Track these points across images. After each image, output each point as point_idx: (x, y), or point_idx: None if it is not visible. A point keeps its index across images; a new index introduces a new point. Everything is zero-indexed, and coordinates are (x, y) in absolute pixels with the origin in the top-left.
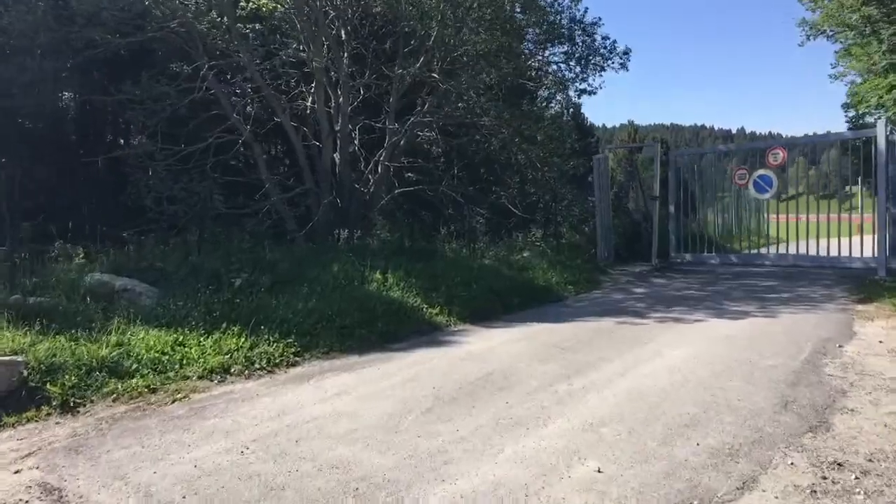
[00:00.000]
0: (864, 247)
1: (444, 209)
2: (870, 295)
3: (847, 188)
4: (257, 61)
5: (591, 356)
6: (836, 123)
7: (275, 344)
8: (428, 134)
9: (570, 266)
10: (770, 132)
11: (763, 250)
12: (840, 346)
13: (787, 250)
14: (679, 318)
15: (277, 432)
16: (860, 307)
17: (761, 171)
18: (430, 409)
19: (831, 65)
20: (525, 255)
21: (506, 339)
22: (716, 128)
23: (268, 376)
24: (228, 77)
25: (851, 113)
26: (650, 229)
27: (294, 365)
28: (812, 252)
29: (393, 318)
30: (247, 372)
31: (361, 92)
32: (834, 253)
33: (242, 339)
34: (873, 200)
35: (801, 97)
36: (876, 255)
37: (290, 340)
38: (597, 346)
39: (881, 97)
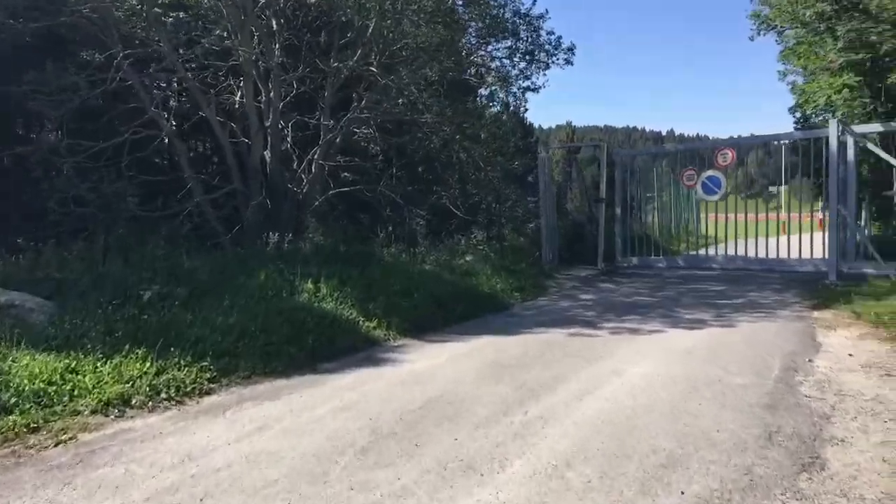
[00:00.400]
0: (806, 249)
1: (383, 211)
2: (824, 301)
3: (771, 188)
4: (180, 51)
5: (544, 375)
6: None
7: (186, 368)
8: (366, 131)
9: (515, 271)
10: (697, 134)
11: (711, 252)
12: (810, 361)
13: (732, 252)
14: (634, 329)
15: (179, 486)
16: (817, 314)
17: (710, 172)
18: (367, 448)
19: (779, 71)
20: (468, 259)
21: (451, 356)
22: (647, 129)
23: (176, 408)
24: (149, 68)
25: (806, 114)
26: (595, 231)
27: (208, 393)
28: (761, 255)
29: (325, 334)
30: (151, 404)
31: (295, 86)
32: (783, 255)
33: (148, 364)
34: (815, 202)
35: (738, 100)
36: (826, 258)
37: (206, 363)
38: (550, 362)
39: (830, 97)
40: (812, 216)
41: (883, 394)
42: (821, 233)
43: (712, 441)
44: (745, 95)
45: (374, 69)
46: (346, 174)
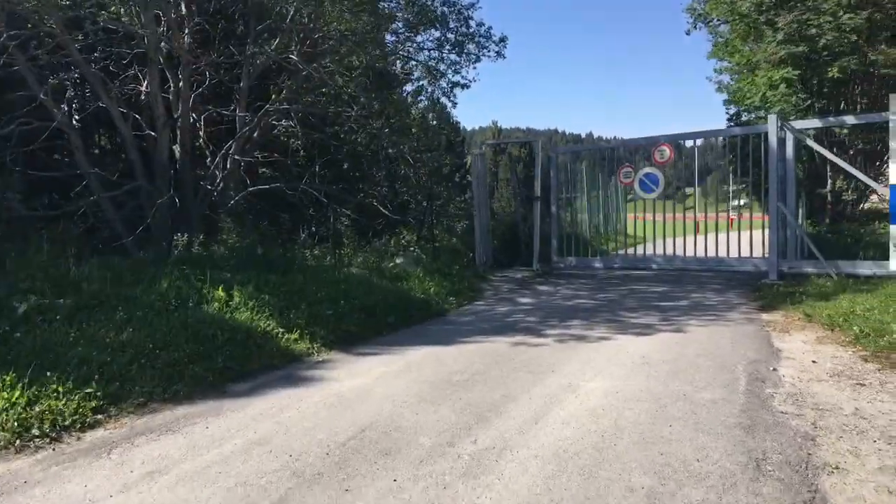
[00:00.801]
0: (734, 249)
1: (306, 210)
2: (770, 301)
3: (688, 189)
4: (79, 36)
5: (492, 394)
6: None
7: (66, 397)
8: (286, 124)
9: (449, 274)
10: (615, 136)
11: (644, 252)
12: (774, 370)
13: (661, 251)
14: (581, 336)
15: None
16: (766, 316)
17: (648, 170)
18: (285, 498)
19: (714, 70)
20: (398, 261)
21: (384, 372)
22: (567, 132)
23: (50, 447)
24: (45, 53)
25: (739, 111)
26: (529, 231)
27: (92, 427)
28: (700, 254)
29: (238, 350)
30: (18, 443)
31: (208, 76)
32: (722, 254)
33: (17, 393)
34: (729, 202)
35: (669, 100)
36: (766, 257)
37: (91, 389)
38: (496, 378)
39: (765, 93)
40: (728, 216)
41: (862, 407)
42: (738, 232)
43: (695, 474)
44: (676, 96)
45: (294, 57)
46: (265, 170)
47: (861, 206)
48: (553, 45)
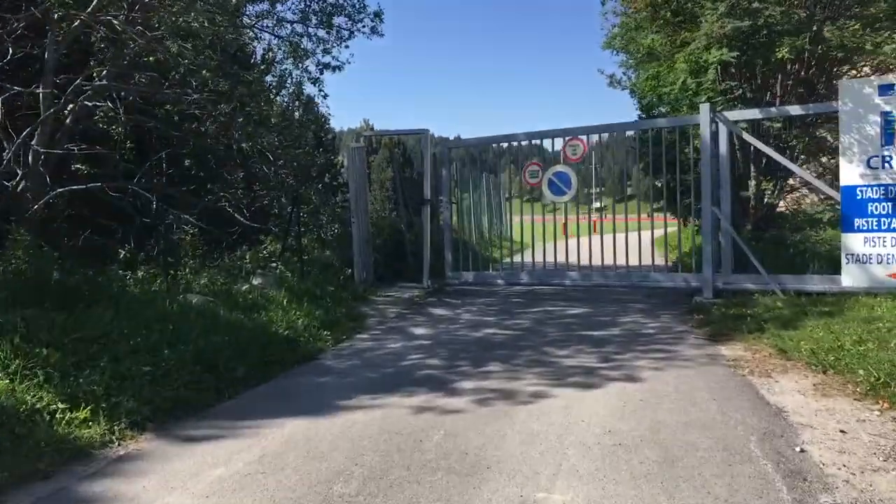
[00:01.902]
0: (629, 254)
1: (137, 217)
2: (718, 328)
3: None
4: None
5: None
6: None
7: None
8: (108, 107)
9: (322, 297)
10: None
11: (533, 259)
12: (801, 451)
13: (549, 258)
14: (508, 393)
15: None
16: (726, 350)
17: (558, 168)
18: None
19: (622, 67)
20: (256, 282)
21: (220, 479)
22: (436, 135)
23: None
24: None
25: (645, 105)
26: (417, 241)
27: None
28: (614, 266)
29: None
30: None
31: (10, 49)
32: (644, 267)
33: None
34: (677, 203)
35: (560, 97)
36: (698, 271)
37: None
38: (401, 487)
39: (685, 81)
40: (590, 219)
41: None
42: (601, 236)
43: None
44: (565, 93)
45: (115, 22)
46: (81, 167)
47: (775, 209)
48: (428, 43)
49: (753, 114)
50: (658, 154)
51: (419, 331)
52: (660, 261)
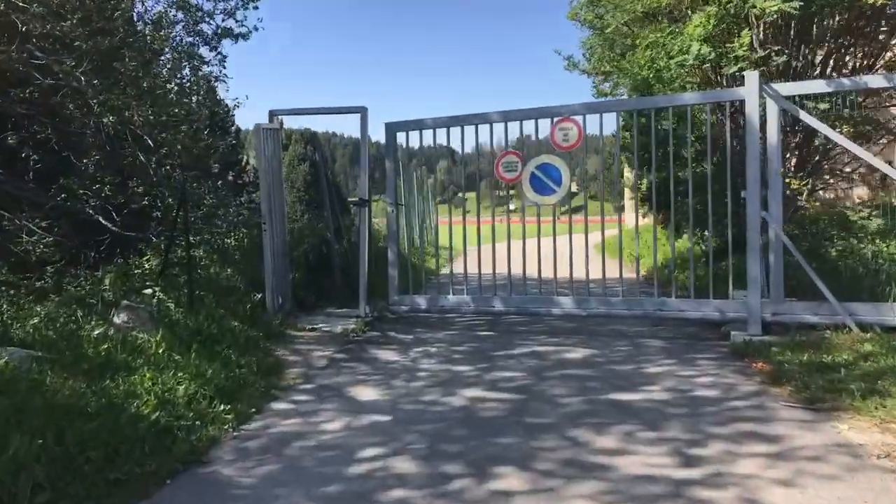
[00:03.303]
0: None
1: None
2: (804, 386)
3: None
4: None
5: None
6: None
7: None
8: None
9: (220, 339)
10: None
11: (469, 271)
12: None
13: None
14: None
15: None
16: (851, 432)
17: (544, 159)
18: None
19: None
20: (119, 320)
21: None
22: (345, 135)
23: None
24: None
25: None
26: (348, 254)
27: None
28: (622, 292)
29: None
30: None
31: None
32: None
33: None
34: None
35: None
36: (737, 296)
37: None
38: None
39: (699, 51)
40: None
41: None
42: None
43: None
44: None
45: None
46: None
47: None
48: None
49: (819, 86)
50: (674, 139)
51: (367, 394)
52: (626, 273)
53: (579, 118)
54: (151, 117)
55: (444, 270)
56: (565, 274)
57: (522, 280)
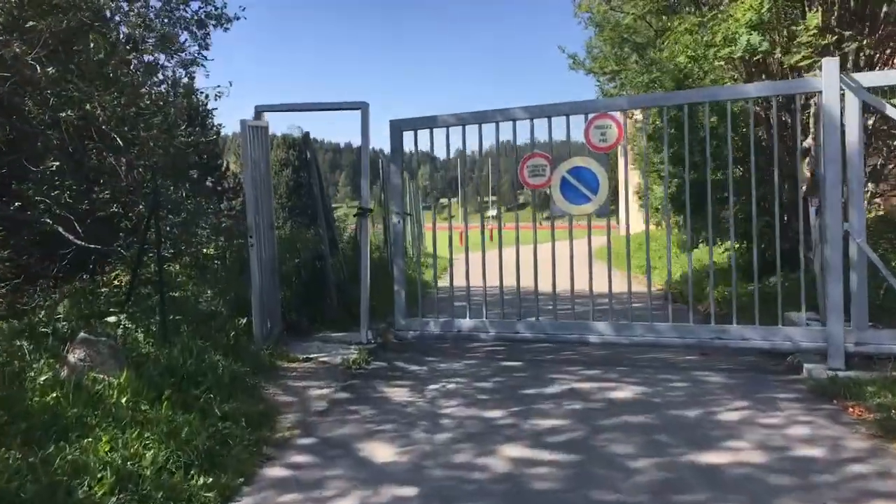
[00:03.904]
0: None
1: None
2: None
3: (442, 200)
4: None
5: None
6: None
7: None
8: None
9: (198, 383)
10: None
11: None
12: None
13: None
14: None
15: None
16: None
17: (577, 162)
18: None
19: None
20: (77, 356)
21: None
22: (326, 141)
23: None
24: None
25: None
26: (344, 271)
27: None
28: (672, 317)
29: None
30: None
31: None
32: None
33: None
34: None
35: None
36: (823, 324)
37: None
38: None
39: (749, 39)
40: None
41: None
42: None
43: None
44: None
45: None
46: None
47: None
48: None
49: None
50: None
51: (382, 453)
52: (638, 287)
53: (618, 114)
54: (118, 109)
55: (441, 283)
56: (578, 286)
57: (534, 296)
